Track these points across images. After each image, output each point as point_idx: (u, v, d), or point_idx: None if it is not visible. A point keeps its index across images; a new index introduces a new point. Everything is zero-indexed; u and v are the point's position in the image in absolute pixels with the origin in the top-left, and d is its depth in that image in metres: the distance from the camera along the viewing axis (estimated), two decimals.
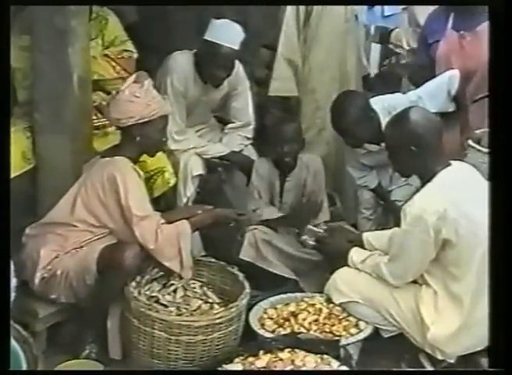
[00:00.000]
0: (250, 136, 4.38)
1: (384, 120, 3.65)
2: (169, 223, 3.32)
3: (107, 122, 3.76)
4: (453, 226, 3.01)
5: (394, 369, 3.18)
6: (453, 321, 3.07)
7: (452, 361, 3.17)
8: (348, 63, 4.58)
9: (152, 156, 3.55)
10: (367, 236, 3.49)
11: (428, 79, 4.01)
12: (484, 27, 3.84)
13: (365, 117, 3.77)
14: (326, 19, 4.44)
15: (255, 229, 3.83)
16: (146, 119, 3.28)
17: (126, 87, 3.30)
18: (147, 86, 3.32)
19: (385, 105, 3.86)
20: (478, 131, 4.03)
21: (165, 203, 3.98)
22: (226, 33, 3.98)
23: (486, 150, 3.75)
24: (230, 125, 4.38)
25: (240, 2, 4.57)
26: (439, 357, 3.15)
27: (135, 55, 3.96)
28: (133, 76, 3.36)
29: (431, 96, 3.90)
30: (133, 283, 3.26)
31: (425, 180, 3.14)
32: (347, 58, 4.57)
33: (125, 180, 3.22)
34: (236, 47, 4.02)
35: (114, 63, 3.88)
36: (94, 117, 3.75)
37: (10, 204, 2.65)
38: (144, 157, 3.51)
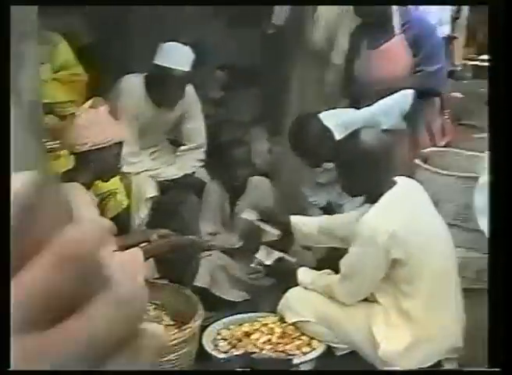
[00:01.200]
0: (202, 158, 4.41)
1: (339, 136, 3.70)
2: (123, 247, 3.32)
3: (58, 145, 3.77)
4: (403, 245, 3.05)
5: (394, 369, 3.19)
6: (404, 337, 3.11)
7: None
8: None
9: (106, 182, 3.56)
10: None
11: None
12: (388, 46, 3.99)
13: (323, 137, 3.81)
14: None
15: (210, 255, 3.85)
16: (101, 146, 3.28)
17: (81, 112, 3.31)
18: (102, 111, 3.33)
19: (338, 122, 3.90)
20: (425, 150, 4.14)
21: (118, 225, 3.96)
22: (175, 56, 4.02)
23: (433, 169, 3.84)
24: (183, 147, 4.41)
25: (241, 2, 4.61)
26: None
27: (85, 79, 3.97)
28: (89, 101, 3.37)
29: (384, 113, 3.94)
30: None
31: (374, 199, 3.18)
32: None
33: (78, 206, 3.20)
34: (187, 69, 4.05)
35: (65, 87, 3.89)
36: (45, 140, 3.74)
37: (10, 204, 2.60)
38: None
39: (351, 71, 4.21)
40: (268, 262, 3.68)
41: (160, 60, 4.02)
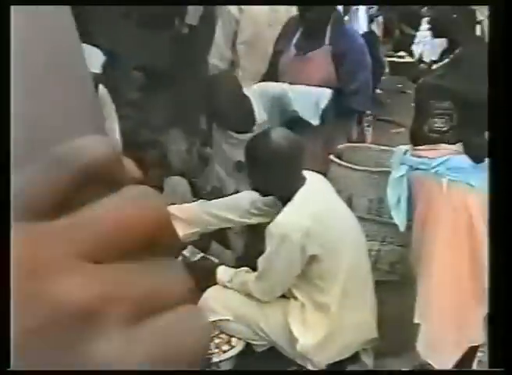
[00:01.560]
0: None
1: (256, 106, 3.74)
2: None
3: None
4: (318, 242, 3.09)
5: (392, 370, 3.21)
6: (320, 331, 3.16)
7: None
8: None
9: None
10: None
11: None
12: (316, 53, 4.01)
13: (238, 100, 3.82)
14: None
15: None
16: None
17: None
18: None
19: (255, 89, 3.92)
20: (340, 146, 4.19)
21: None
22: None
23: (347, 164, 3.90)
24: None
25: (241, 2, 4.57)
26: (310, 367, 3.23)
27: None
28: None
29: (299, 96, 3.97)
30: None
31: (286, 199, 3.18)
32: None
33: None
34: (97, 71, 4.00)
35: None
36: None
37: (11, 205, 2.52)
38: None
39: (274, 72, 4.19)
40: (193, 259, 3.69)
41: None
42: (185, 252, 3.70)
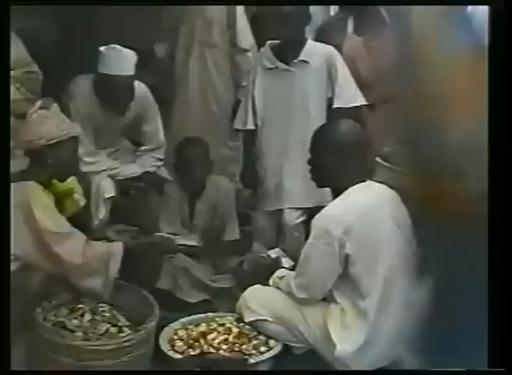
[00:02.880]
0: (162, 157, 4.38)
1: None
2: None
3: (13, 144, 3.72)
4: (357, 242, 3.05)
5: (392, 369, 3.17)
6: (359, 337, 3.11)
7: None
8: None
9: (62, 181, 3.52)
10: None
11: None
12: (389, 32, 3.95)
13: None
14: None
15: (172, 257, 3.82)
16: (57, 140, 3.25)
17: (32, 111, 3.28)
18: (53, 110, 3.30)
19: None
20: (386, 149, 4.13)
21: (77, 225, 3.92)
22: (116, 61, 3.96)
23: (394, 167, 3.83)
24: (143, 147, 4.38)
25: (241, 2, 4.58)
26: None
27: (40, 77, 3.93)
28: (39, 102, 3.34)
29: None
30: (39, 310, 3.19)
31: (337, 193, 3.18)
32: None
33: (39, 204, 3.17)
34: (131, 72, 4.00)
35: (18, 84, 3.84)
36: None
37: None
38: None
39: None
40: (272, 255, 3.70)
41: (102, 68, 3.96)
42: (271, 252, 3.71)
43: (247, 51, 4.86)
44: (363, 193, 3.19)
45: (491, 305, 2.53)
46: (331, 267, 3.11)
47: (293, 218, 4.14)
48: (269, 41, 4.23)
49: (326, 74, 4.11)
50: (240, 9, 4.75)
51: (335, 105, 4.13)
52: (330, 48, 4.15)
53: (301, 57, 4.08)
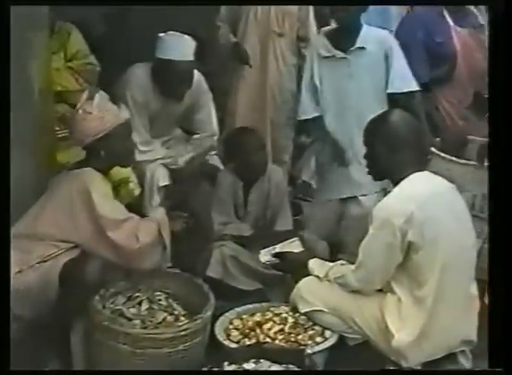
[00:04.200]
0: (215, 146, 4.38)
1: None
2: None
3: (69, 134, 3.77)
4: (419, 229, 3.02)
5: (393, 369, 3.16)
6: (416, 326, 3.08)
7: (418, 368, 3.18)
8: None
9: (124, 167, 3.55)
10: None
11: None
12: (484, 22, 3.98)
13: None
14: None
15: (223, 245, 3.82)
16: (104, 133, 3.27)
17: (79, 106, 3.30)
18: (98, 99, 3.31)
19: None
20: (437, 139, 4.10)
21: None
22: (176, 47, 3.96)
23: (450, 157, 3.79)
24: (196, 136, 4.38)
25: (242, 3, 4.57)
26: (404, 365, 3.15)
27: (97, 68, 3.96)
28: (85, 93, 3.35)
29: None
30: (97, 297, 3.22)
31: (395, 183, 3.15)
32: None
33: (98, 190, 3.21)
34: (190, 58, 4.00)
35: (77, 76, 3.89)
36: (57, 129, 3.73)
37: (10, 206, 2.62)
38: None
39: None
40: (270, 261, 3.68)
41: (162, 53, 3.97)
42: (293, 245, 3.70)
43: None
44: (422, 182, 3.16)
45: (491, 305, 2.52)
46: (392, 257, 3.08)
47: (355, 207, 4.11)
48: (323, 29, 4.20)
49: (383, 59, 4.08)
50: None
51: (388, 90, 4.10)
52: (385, 32, 4.13)
53: (358, 44, 4.05)
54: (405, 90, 4.09)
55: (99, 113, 3.27)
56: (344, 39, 4.09)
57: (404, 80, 4.09)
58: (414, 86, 4.11)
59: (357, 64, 4.08)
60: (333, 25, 4.23)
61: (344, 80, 4.11)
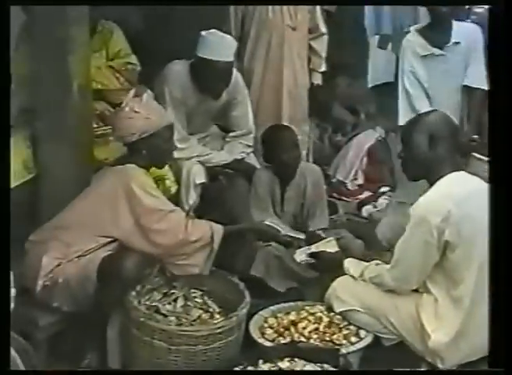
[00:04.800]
0: (251, 144, 4.38)
1: None
2: None
3: (108, 130, 3.79)
4: (456, 228, 3.01)
5: (394, 369, 3.16)
6: (453, 327, 3.06)
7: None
8: None
9: (160, 168, 3.58)
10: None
11: None
12: None
13: None
14: None
15: (269, 245, 3.82)
16: (148, 133, 3.30)
17: (126, 103, 3.32)
18: (146, 99, 3.34)
19: None
20: (475, 139, 4.07)
21: None
22: (217, 47, 3.97)
23: (486, 159, 3.75)
24: (232, 133, 4.39)
25: (241, 3, 4.57)
26: (440, 365, 3.13)
27: (138, 68, 3.99)
28: (132, 91, 3.38)
29: None
30: (134, 293, 3.25)
31: (432, 183, 3.14)
32: None
33: (141, 185, 3.24)
34: (231, 59, 4.01)
35: (118, 74, 3.92)
36: (96, 126, 3.76)
37: (11, 212, 2.65)
38: None
39: None
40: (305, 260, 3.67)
41: (203, 52, 3.97)
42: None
43: (323, 35, 4.91)
44: (458, 181, 3.14)
45: (491, 306, 2.49)
46: (429, 256, 3.07)
47: None
48: (415, 26, 4.27)
49: (469, 52, 4.15)
50: None
51: (464, 83, 4.15)
52: (473, 26, 4.23)
53: (453, 39, 4.12)
54: (479, 86, 4.13)
55: (146, 113, 3.30)
56: (440, 35, 4.15)
57: (480, 76, 4.11)
58: (484, 84, 4.11)
59: (452, 60, 4.15)
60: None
61: (441, 76, 4.15)
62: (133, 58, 3.99)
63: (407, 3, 4.61)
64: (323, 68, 4.98)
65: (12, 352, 2.70)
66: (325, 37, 4.92)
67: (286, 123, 4.53)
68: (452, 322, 3.07)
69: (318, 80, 5.00)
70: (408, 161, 3.24)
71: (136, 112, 3.28)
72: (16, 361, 2.74)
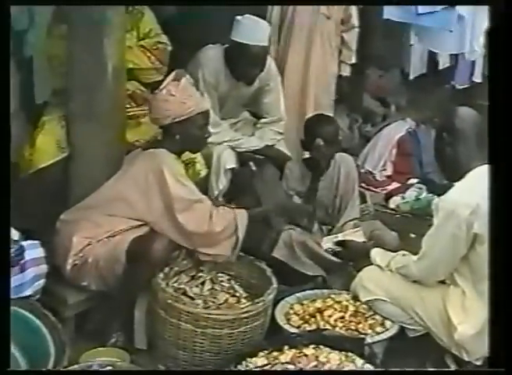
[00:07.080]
0: (281, 131, 4.38)
1: None
2: None
3: (140, 112, 3.81)
4: (484, 221, 2.97)
5: (396, 370, 3.15)
6: (479, 319, 3.04)
7: (478, 363, 3.15)
8: None
9: (194, 153, 3.59)
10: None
11: None
12: None
13: None
14: None
15: (291, 229, 3.82)
16: (183, 118, 3.31)
17: (164, 85, 3.33)
18: (183, 83, 3.34)
19: None
20: None
21: None
22: (252, 31, 3.98)
23: None
24: (263, 120, 4.39)
25: (242, 3, 4.56)
26: (465, 358, 3.13)
27: (169, 48, 3.99)
28: (172, 74, 3.38)
29: None
30: (161, 275, 3.27)
31: (460, 177, 3.13)
32: None
33: (171, 171, 3.26)
34: (265, 43, 4.02)
35: (149, 54, 3.92)
36: (128, 106, 3.77)
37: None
38: None
39: None
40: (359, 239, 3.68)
41: (237, 36, 3.98)
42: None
43: (354, 27, 4.92)
44: (487, 175, 3.12)
45: (491, 306, 2.47)
46: (457, 249, 3.07)
47: None
48: None
49: None
50: None
51: None
52: None
53: None
54: None
55: (182, 97, 3.30)
56: None
57: None
58: None
59: None
60: None
61: None
62: (164, 38, 3.99)
63: (407, 3, 4.57)
64: (353, 60, 4.99)
65: (43, 329, 2.74)
66: (356, 30, 4.95)
67: (312, 109, 4.53)
68: (478, 315, 3.06)
69: (346, 71, 5.02)
70: (440, 159, 3.26)
71: (172, 95, 3.29)
72: (46, 337, 2.79)
